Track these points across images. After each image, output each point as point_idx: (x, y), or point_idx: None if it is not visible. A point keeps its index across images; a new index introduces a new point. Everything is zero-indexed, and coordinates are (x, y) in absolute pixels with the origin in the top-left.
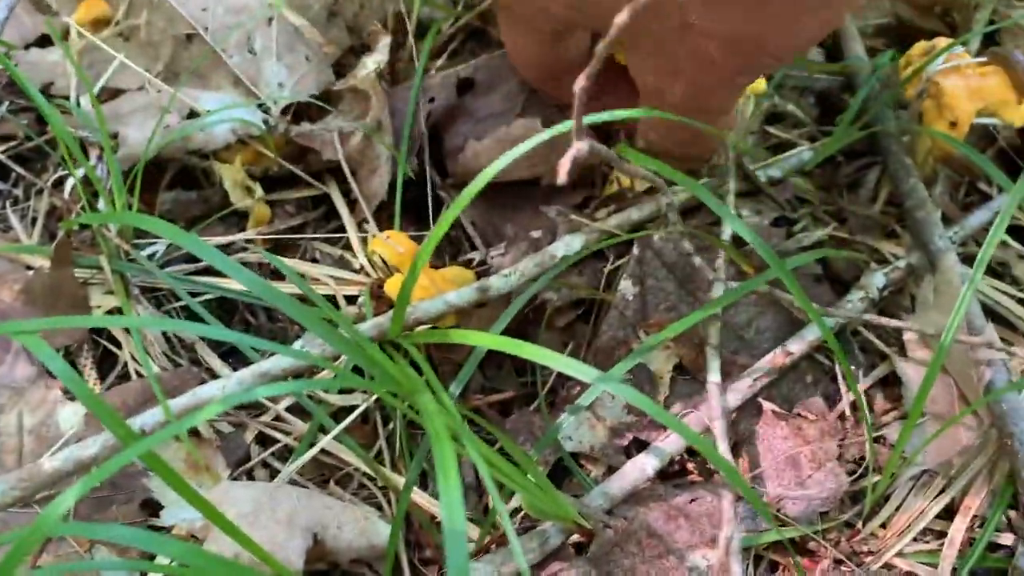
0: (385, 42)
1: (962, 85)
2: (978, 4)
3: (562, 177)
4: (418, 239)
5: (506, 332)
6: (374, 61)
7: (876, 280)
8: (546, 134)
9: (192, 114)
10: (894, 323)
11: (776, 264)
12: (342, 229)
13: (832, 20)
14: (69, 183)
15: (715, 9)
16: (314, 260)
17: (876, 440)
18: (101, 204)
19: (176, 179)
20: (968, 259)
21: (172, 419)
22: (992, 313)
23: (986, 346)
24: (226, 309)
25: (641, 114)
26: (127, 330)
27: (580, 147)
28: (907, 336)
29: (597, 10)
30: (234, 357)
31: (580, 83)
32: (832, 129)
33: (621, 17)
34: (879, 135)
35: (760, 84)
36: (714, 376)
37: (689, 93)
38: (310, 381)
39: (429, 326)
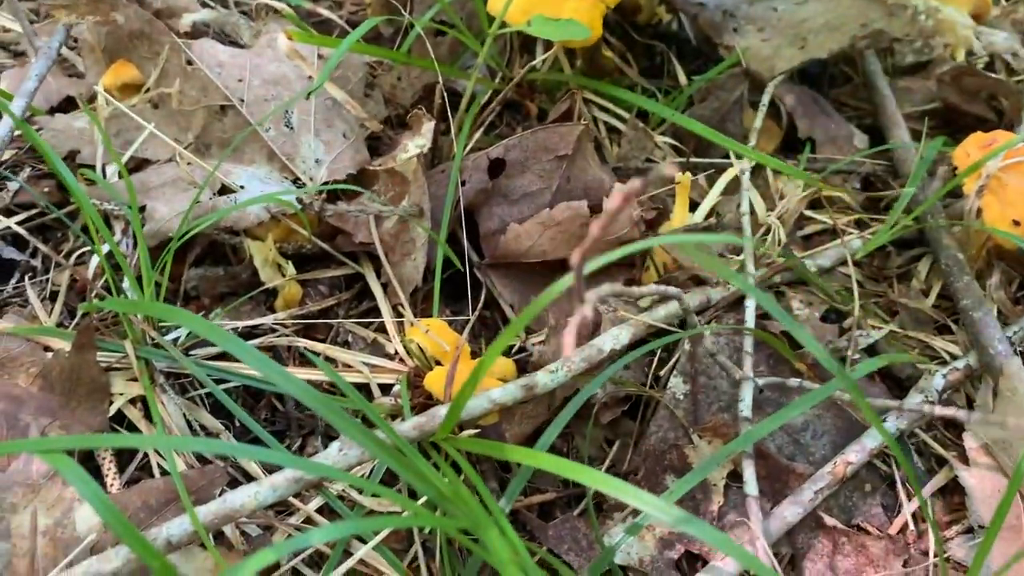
0: (429, 127)
1: None
2: None
3: (567, 352)
4: (453, 323)
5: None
6: (416, 145)
7: (936, 383)
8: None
9: (224, 189)
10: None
11: (841, 375)
12: (375, 310)
13: None
14: (93, 260)
15: None
16: (346, 343)
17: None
18: (126, 283)
19: (204, 254)
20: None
21: (200, 528)
22: None
23: None
24: (252, 394)
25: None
26: (150, 417)
27: (586, 313)
28: (968, 443)
29: None
30: (261, 446)
31: (576, 257)
32: (879, 216)
33: None
34: (929, 227)
35: None
36: (751, 488)
37: None
38: (353, 476)
39: (473, 431)
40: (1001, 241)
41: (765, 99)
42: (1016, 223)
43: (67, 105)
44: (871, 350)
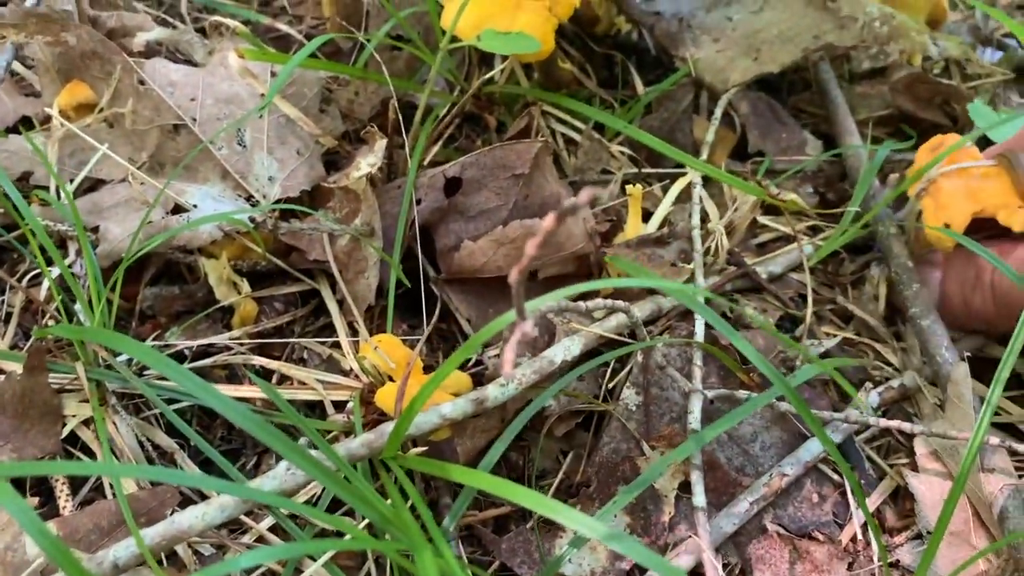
0: (381, 144)
1: (961, 186)
2: (977, 93)
3: (506, 370)
4: (409, 340)
5: (502, 440)
6: (368, 164)
7: (871, 400)
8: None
9: (177, 208)
10: (905, 426)
11: (780, 382)
12: (331, 326)
13: None
14: (44, 284)
15: None
16: (302, 360)
17: (890, 564)
18: (78, 305)
19: (159, 273)
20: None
21: (145, 551)
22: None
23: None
24: (207, 412)
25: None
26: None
27: (526, 329)
28: (919, 449)
29: None
30: (215, 466)
31: (514, 275)
32: (834, 223)
33: None
34: (880, 235)
35: None
36: (699, 499)
37: None
38: (296, 505)
39: (422, 449)
40: (934, 242)
41: (718, 112)
42: (947, 225)
43: (24, 125)
44: (824, 359)
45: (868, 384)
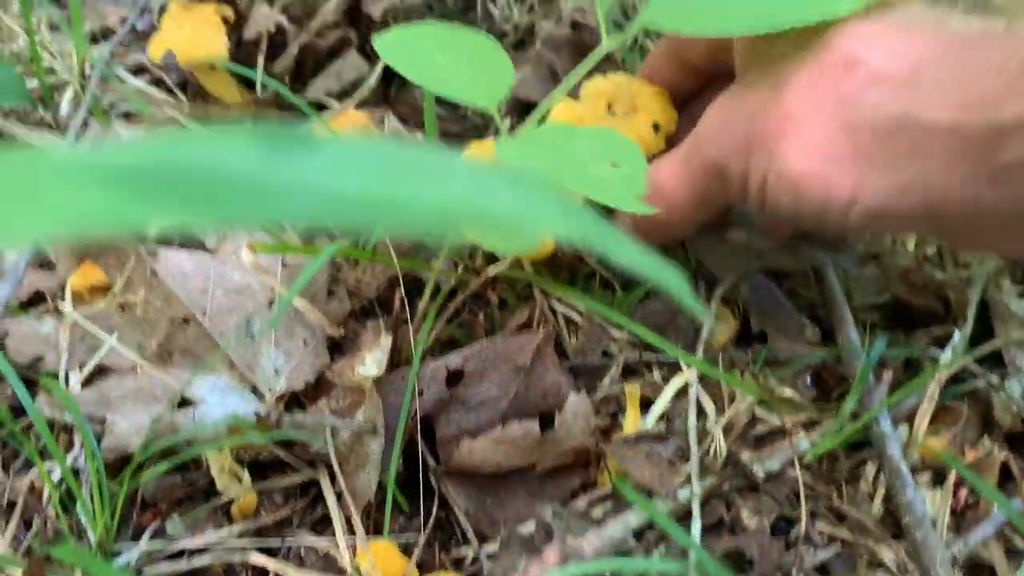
0: (387, 343)
1: None
2: (970, 282)
3: None
4: (406, 534)
5: None
6: (375, 361)
7: None
8: None
9: (184, 401)
10: None
11: None
12: (330, 517)
13: None
14: (46, 489)
15: None
16: (299, 558)
17: None
18: (79, 506)
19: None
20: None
21: None
22: None
23: None
24: None
25: None
26: None
27: None
28: None
29: None
30: None
31: None
32: (832, 413)
33: None
34: (874, 435)
35: None
36: None
37: None
38: None
39: None
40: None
41: (714, 303)
42: None
43: (37, 299)
44: (822, 568)
45: None
